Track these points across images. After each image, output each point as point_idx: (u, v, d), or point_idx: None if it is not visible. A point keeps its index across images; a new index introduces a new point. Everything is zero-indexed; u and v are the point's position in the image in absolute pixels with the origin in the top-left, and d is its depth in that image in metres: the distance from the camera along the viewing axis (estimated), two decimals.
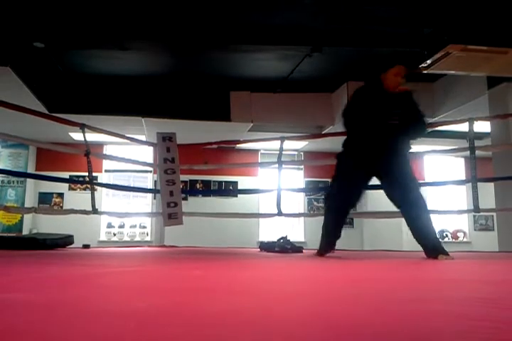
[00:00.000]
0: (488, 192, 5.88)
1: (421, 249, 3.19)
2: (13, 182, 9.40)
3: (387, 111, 3.20)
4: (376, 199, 9.28)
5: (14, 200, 9.31)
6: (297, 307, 0.88)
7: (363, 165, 3.29)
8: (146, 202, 9.88)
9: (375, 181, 3.51)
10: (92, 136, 5.68)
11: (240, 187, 10.14)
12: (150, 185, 9.70)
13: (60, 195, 9.75)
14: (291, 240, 4.60)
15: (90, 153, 4.84)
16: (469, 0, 4.59)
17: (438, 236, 3.21)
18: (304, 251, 4.51)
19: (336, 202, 3.41)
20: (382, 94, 3.23)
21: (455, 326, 0.69)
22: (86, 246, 5.04)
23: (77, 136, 7.99)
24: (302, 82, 7.49)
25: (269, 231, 9.61)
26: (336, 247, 3.53)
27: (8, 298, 0.95)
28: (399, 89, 3.24)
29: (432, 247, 3.08)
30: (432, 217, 3.27)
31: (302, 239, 9.39)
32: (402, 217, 3.35)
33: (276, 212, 5.28)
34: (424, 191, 11.20)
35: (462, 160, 10.05)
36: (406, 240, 9.56)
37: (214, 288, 1.22)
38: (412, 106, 3.26)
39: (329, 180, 3.59)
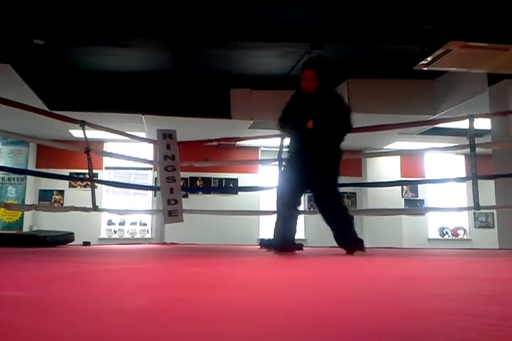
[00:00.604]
0: (488, 189, 5.88)
1: (421, 246, 3.22)
2: (14, 179, 9.40)
3: (301, 112, 3.38)
4: (376, 196, 9.31)
5: (14, 197, 9.32)
6: (296, 304, 0.88)
7: (296, 168, 3.49)
8: (146, 200, 9.88)
9: (374, 179, 3.55)
10: (92, 133, 5.68)
11: (240, 184, 10.14)
12: (150, 182, 9.70)
13: (61, 192, 9.75)
14: None
15: (90, 150, 4.84)
16: None
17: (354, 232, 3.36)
18: (304, 248, 4.51)
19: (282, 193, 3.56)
20: (298, 96, 3.46)
21: (455, 323, 0.69)
22: (86, 244, 5.04)
23: (77, 133, 7.98)
24: None
25: (270, 228, 9.60)
26: (336, 245, 3.53)
27: (8, 295, 0.95)
28: (312, 90, 3.39)
29: (347, 244, 3.30)
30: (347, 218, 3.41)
31: (302, 237, 9.39)
32: (401, 215, 3.41)
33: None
34: (424, 188, 11.16)
35: (462, 157, 10.05)
36: (406, 237, 9.57)
37: (214, 285, 1.22)
38: (328, 105, 3.37)
39: None
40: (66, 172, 9.03)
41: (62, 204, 9.61)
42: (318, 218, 3.54)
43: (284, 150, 5.64)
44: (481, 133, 7.14)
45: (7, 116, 6.39)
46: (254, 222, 9.67)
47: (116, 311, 0.77)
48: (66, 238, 4.67)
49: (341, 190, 3.67)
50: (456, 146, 5.43)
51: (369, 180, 9.84)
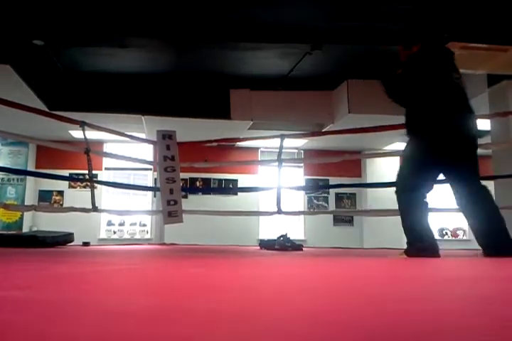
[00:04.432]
0: None
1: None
2: (13, 179, 9.40)
3: None
4: (376, 197, 9.31)
5: (14, 198, 9.32)
6: (297, 305, 0.88)
7: None
8: (146, 200, 9.88)
9: (374, 179, 3.52)
10: (92, 134, 5.69)
11: (239, 185, 10.14)
12: (150, 183, 9.70)
13: (60, 193, 9.75)
14: (291, 238, 4.61)
15: (90, 151, 4.84)
16: None
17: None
18: (303, 248, 4.52)
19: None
20: None
21: (454, 323, 0.69)
22: (86, 244, 5.05)
23: (77, 133, 7.99)
24: (302, 80, 7.48)
25: (269, 229, 9.62)
26: (336, 245, 3.53)
27: (7, 295, 0.95)
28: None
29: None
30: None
31: (302, 237, 9.40)
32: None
33: (276, 210, 5.28)
34: None
35: None
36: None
37: (214, 286, 1.22)
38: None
39: (329, 178, 3.60)
40: (66, 172, 9.04)
41: (61, 204, 9.61)
42: (317, 218, 3.52)
43: (284, 150, 5.65)
44: (481, 134, 7.14)
45: (7, 116, 6.40)
46: (253, 223, 9.68)
47: (115, 312, 0.77)
48: (66, 238, 4.68)
49: (341, 190, 3.65)
50: None
51: (369, 181, 9.83)
